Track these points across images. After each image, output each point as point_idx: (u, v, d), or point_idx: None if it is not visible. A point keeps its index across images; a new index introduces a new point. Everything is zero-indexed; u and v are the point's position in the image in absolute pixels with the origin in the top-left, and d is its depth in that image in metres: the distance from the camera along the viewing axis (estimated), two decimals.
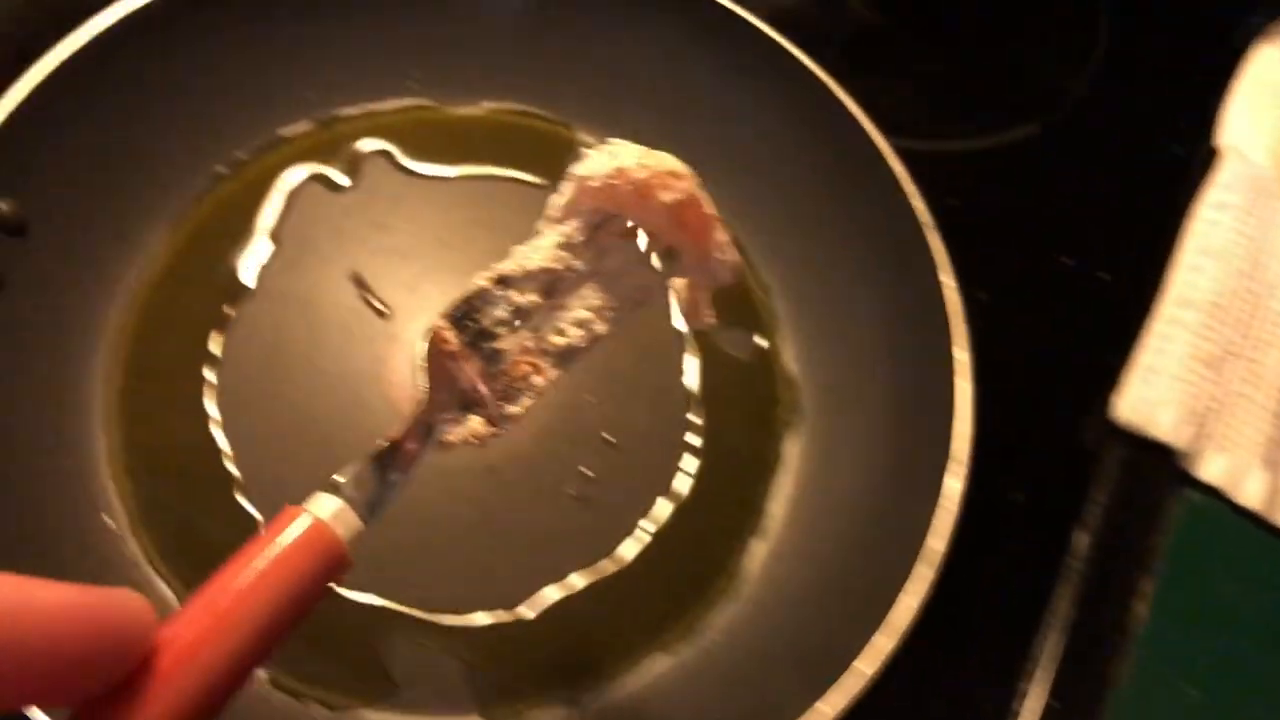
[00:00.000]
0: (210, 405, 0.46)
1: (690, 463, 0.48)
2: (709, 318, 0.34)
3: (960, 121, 0.61)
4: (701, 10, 0.52)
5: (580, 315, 0.29)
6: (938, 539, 0.42)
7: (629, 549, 0.46)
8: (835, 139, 0.51)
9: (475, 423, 0.28)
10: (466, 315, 0.28)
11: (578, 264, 0.29)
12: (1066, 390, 0.54)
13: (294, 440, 0.46)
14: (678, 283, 0.32)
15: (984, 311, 0.47)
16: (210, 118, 0.50)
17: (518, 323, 0.28)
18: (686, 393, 0.50)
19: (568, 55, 0.55)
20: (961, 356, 0.45)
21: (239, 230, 0.50)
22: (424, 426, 0.26)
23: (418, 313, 0.50)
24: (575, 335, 0.29)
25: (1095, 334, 0.56)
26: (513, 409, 0.28)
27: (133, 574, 0.43)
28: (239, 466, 0.45)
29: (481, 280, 0.28)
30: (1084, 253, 0.58)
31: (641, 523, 0.47)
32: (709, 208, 0.30)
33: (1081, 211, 0.60)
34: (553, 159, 0.54)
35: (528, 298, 0.28)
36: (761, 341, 0.52)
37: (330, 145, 0.53)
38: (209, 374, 0.47)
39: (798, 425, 0.50)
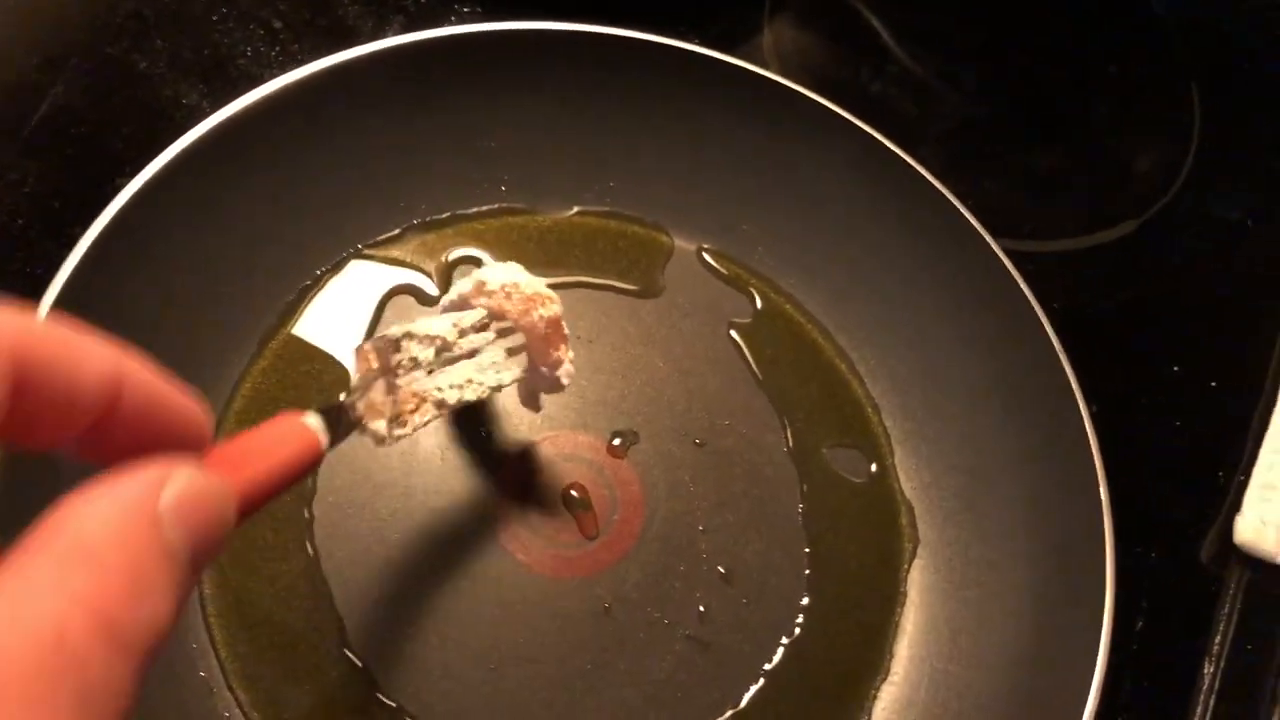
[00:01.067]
0: (309, 545, 0.43)
1: (807, 597, 0.46)
2: (536, 407, 0.45)
3: (1054, 221, 0.60)
4: (798, 110, 0.50)
5: (455, 380, 0.37)
6: (1090, 696, 0.39)
7: (747, 692, 0.44)
8: (945, 243, 0.49)
9: (377, 425, 0.34)
10: (385, 348, 0.35)
11: (462, 341, 0.38)
12: (1185, 508, 0.52)
13: (394, 580, 0.43)
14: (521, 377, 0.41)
15: (1094, 424, 0.45)
16: (296, 233, 0.48)
17: (414, 370, 0.36)
18: (800, 520, 0.47)
19: (663, 158, 0.52)
20: (1104, 494, 0.43)
21: (329, 346, 0.47)
22: (350, 405, 0.33)
23: (514, 435, 0.47)
24: (450, 394, 0.37)
25: (1209, 446, 0.54)
26: (399, 431, 0.35)
27: None
28: (340, 611, 0.42)
29: (398, 330, 0.35)
30: (1190, 360, 0.56)
31: (760, 665, 0.44)
32: (565, 330, 0.41)
33: (1182, 315, 0.58)
34: (646, 264, 0.52)
35: (422, 354, 0.36)
36: (874, 465, 0.49)
37: (420, 252, 0.50)
38: (305, 509, 0.44)
39: (921, 555, 0.47)
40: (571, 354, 0.42)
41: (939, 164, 0.50)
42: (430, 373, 0.37)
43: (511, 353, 0.41)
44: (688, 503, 0.47)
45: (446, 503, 0.45)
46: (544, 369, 0.42)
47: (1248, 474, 0.52)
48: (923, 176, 0.48)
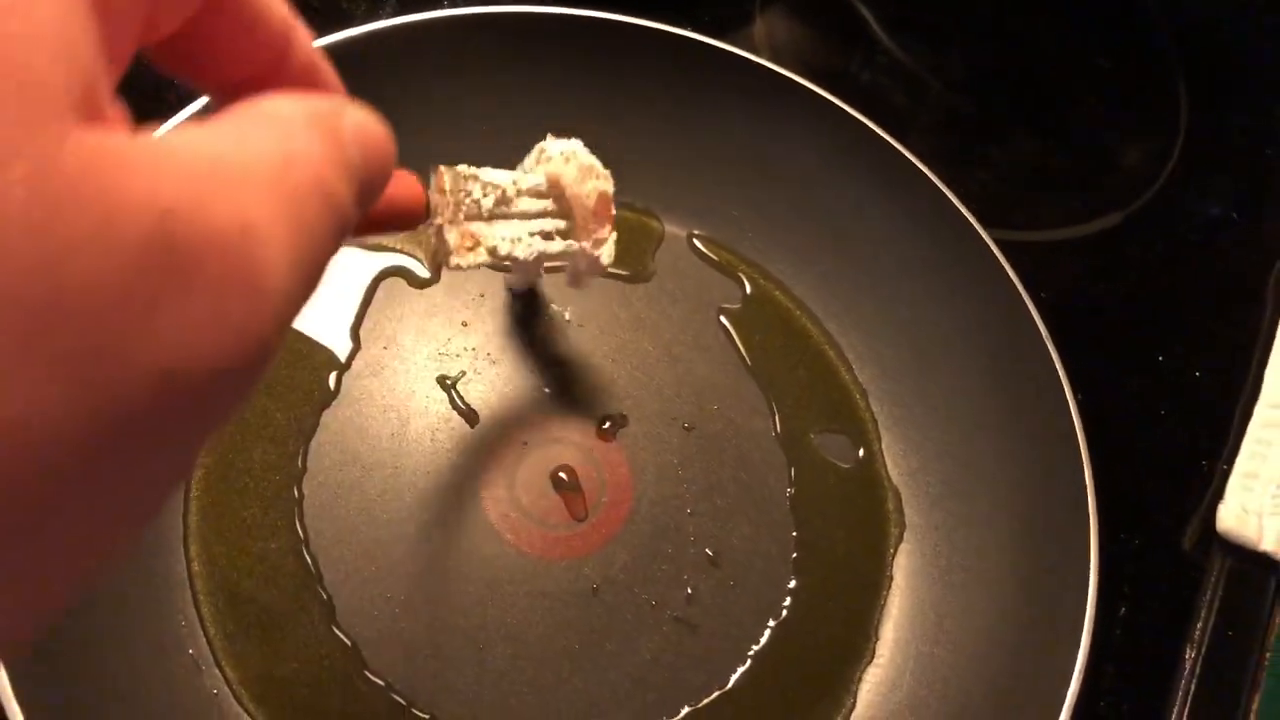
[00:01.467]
0: (298, 524, 0.43)
1: (794, 580, 0.46)
2: (580, 285, 0.45)
3: (1041, 211, 0.60)
4: (789, 96, 0.51)
5: (509, 233, 0.38)
6: (1073, 681, 0.40)
7: (734, 674, 0.44)
8: (935, 231, 0.50)
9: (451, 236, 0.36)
10: (456, 178, 0.36)
11: (520, 202, 0.38)
12: (1167, 495, 0.53)
13: (383, 560, 0.43)
14: (572, 255, 0.42)
15: (1080, 412, 0.46)
16: None
17: (475, 213, 0.37)
18: (788, 504, 0.48)
19: (655, 144, 0.52)
20: (1089, 481, 0.43)
21: (319, 329, 0.47)
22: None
23: (504, 416, 0.47)
24: (503, 244, 0.38)
25: (1193, 434, 0.54)
26: (455, 259, 0.37)
27: (223, 712, 0.40)
28: (328, 589, 0.42)
29: (467, 169, 0.37)
30: (1176, 349, 0.56)
31: (747, 647, 0.45)
32: (613, 210, 0.42)
33: (1168, 306, 0.59)
34: (637, 249, 0.52)
35: (484, 199, 0.37)
36: (861, 450, 0.50)
37: (411, 236, 0.50)
38: (295, 488, 0.44)
39: (907, 540, 0.48)
40: (614, 235, 0.42)
41: (927, 153, 0.50)
42: (489, 221, 0.38)
43: (562, 234, 0.41)
44: (676, 486, 0.47)
45: (435, 483, 0.45)
46: (587, 245, 0.41)
47: (1230, 463, 0.52)
48: (913, 164, 0.49)
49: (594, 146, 0.52)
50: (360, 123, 0.20)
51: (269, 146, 0.16)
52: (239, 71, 0.21)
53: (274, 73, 0.21)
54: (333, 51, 0.45)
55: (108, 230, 0.13)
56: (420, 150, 0.50)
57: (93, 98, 0.14)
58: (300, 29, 0.22)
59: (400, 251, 0.50)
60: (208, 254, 0.14)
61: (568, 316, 0.50)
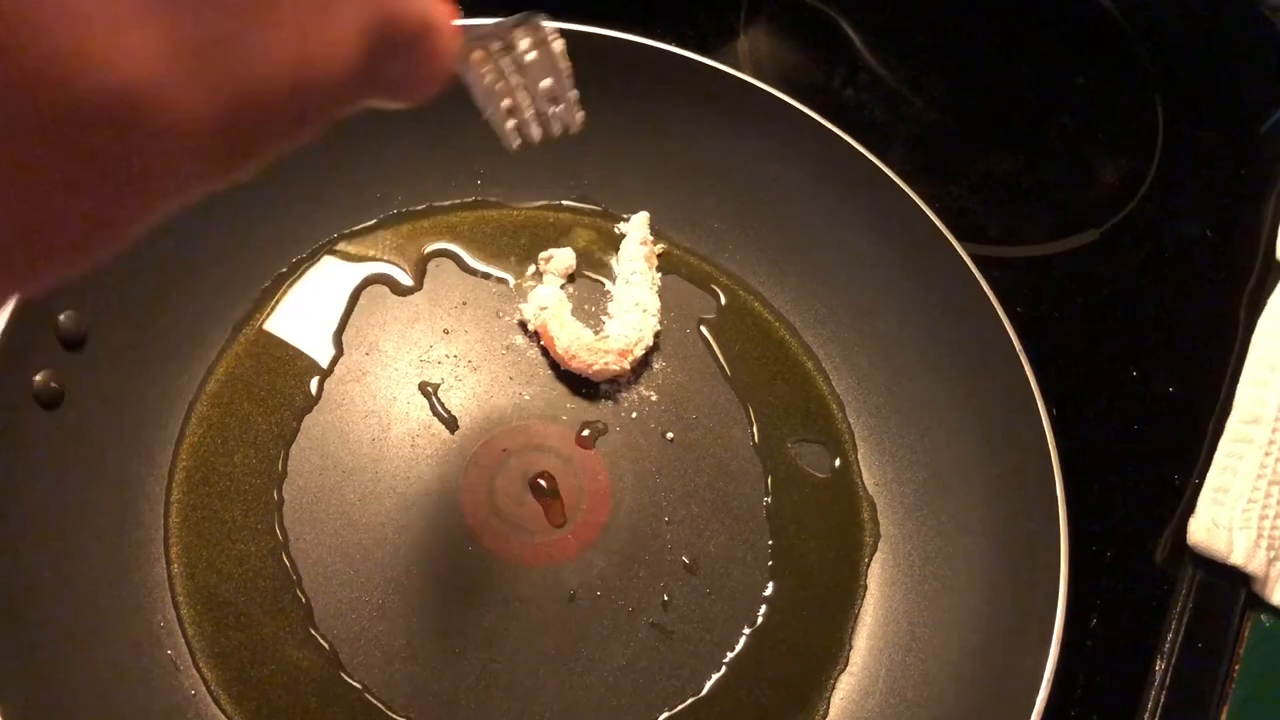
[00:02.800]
0: (278, 527, 0.44)
1: (769, 588, 0.47)
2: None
3: (1018, 227, 0.61)
4: (770, 111, 0.51)
5: None
6: (1042, 688, 0.40)
7: (709, 680, 0.45)
8: (913, 246, 0.50)
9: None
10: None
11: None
12: (1139, 508, 0.53)
13: (362, 563, 0.44)
14: None
15: (1053, 425, 0.46)
16: (273, 221, 0.48)
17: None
18: (764, 513, 0.48)
19: (637, 156, 0.53)
20: (1061, 494, 0.44)
21: (303, 335, 0.48)
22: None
23: (484, 423, 0.48)
24: None
25: (1165, 449, 0.55)
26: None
27: (201, 714, 0.40)
28: (307, 592, 0.43)
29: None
30: (1149, 364, 0.57)
31: (722, 654, 0.45)
32: None
33: (1142, 322, 0.59)
34: (612, 254, 0.52)
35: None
36: (838, 460, 0.50)
37: (394, 244, 0.51)
38: (275, 492, 0.44)
39: (881, 549, 0.48)
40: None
41: (907, 169, 0.51)
42: None
43: None
44: (654, 494, 0.48)
45: (415, 489, 0.46)
46: None
47: (1202, 477, 0.53)
48: (891, 180, 0.49)
49: (577, 159, 0.53)
50: None
51: None
52: None
53: None
54: None
55: None
56: (400, 158, 0.51)
57: None
58: None
59: (384, 260, 0.50)
60: None
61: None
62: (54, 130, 0.15)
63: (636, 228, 0.53)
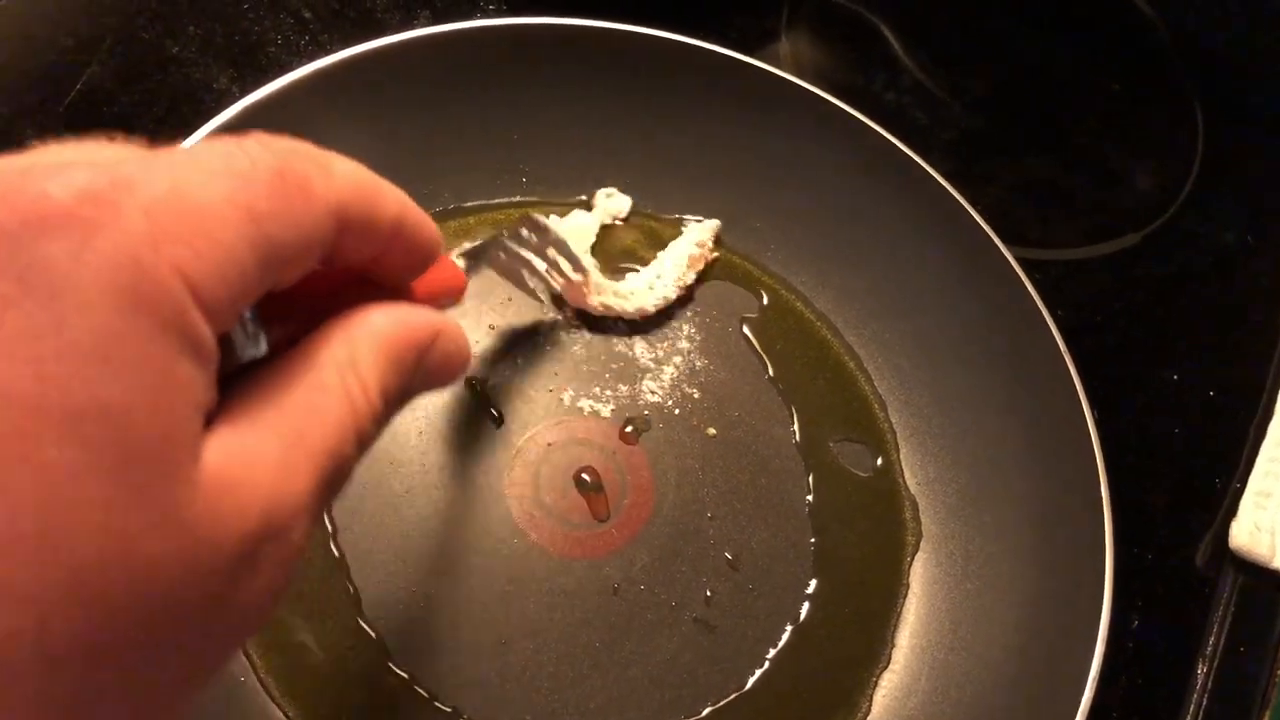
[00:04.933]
0: (326, 517, 0.44)
1: (812, 585, 0.47)
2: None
3: (1058, 231, 0.61)
4: (814, 111, 0.52)
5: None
6: (1086, 690, 0.40)
7: (751, 676, 0.45)
8: (957, 246, 0.50)
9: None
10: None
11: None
12: (1181, 511, 0.53)
13: (409, 554, 0.44)
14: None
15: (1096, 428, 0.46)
16: None
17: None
18: (806, 510, 0.48)
19: (681, 156, 0.53)
20: (1105, 496, 0.44)
21: None
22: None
23: (529, 418, 0.48)
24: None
25: (1206, 453, 0.55)
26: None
27: (250, 700, 0.41)
28: (355, 582, 0.43)
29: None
30: (1190, 369, 0.57)
31: (765, 650, 0.45)
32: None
33: (1183, 326, 0.59)
34: (652, 254, 0.53)
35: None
36: (880, 459, 0.50)
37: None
38: None
39: (924, 549, 0.48)
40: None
41: (946, 171, 0.51)
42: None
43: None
44: (697, 490, 0.48)
45: (462, 481, 0.46)
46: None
47: (1244, 481, 0.53)
48: (936, 180, 0.49)
49: (622, 158, 0.53)
50: (453, 339, 0.27)
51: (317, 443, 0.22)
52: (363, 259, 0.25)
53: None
54: (366, 60, 0.47)
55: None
56: (447, 155, 0.51)
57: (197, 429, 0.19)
58: (410, 207, 0.25)
59: None
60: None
61: (596, 321, 0.51)
62: None
63: (700, 231, 0.53)
